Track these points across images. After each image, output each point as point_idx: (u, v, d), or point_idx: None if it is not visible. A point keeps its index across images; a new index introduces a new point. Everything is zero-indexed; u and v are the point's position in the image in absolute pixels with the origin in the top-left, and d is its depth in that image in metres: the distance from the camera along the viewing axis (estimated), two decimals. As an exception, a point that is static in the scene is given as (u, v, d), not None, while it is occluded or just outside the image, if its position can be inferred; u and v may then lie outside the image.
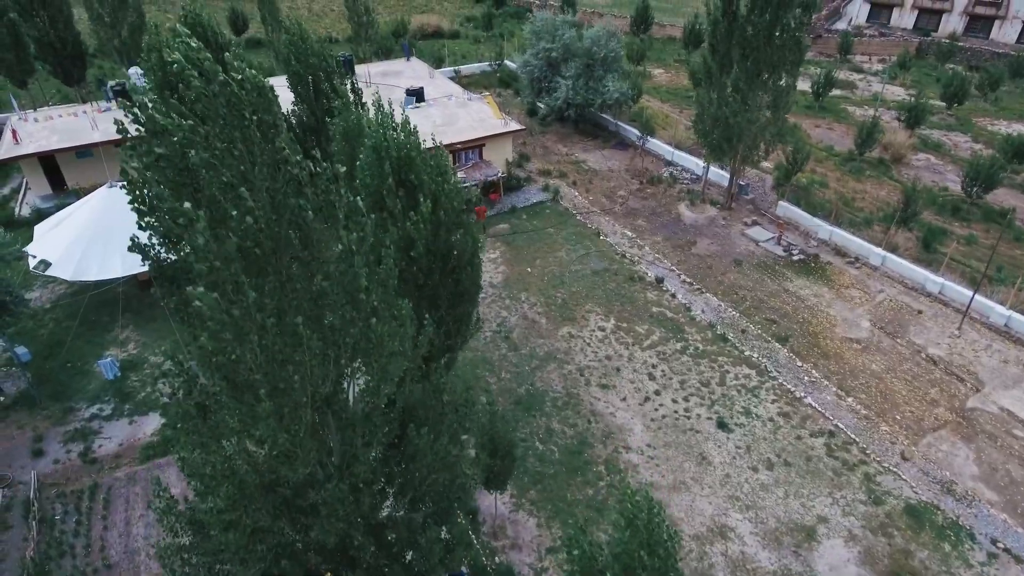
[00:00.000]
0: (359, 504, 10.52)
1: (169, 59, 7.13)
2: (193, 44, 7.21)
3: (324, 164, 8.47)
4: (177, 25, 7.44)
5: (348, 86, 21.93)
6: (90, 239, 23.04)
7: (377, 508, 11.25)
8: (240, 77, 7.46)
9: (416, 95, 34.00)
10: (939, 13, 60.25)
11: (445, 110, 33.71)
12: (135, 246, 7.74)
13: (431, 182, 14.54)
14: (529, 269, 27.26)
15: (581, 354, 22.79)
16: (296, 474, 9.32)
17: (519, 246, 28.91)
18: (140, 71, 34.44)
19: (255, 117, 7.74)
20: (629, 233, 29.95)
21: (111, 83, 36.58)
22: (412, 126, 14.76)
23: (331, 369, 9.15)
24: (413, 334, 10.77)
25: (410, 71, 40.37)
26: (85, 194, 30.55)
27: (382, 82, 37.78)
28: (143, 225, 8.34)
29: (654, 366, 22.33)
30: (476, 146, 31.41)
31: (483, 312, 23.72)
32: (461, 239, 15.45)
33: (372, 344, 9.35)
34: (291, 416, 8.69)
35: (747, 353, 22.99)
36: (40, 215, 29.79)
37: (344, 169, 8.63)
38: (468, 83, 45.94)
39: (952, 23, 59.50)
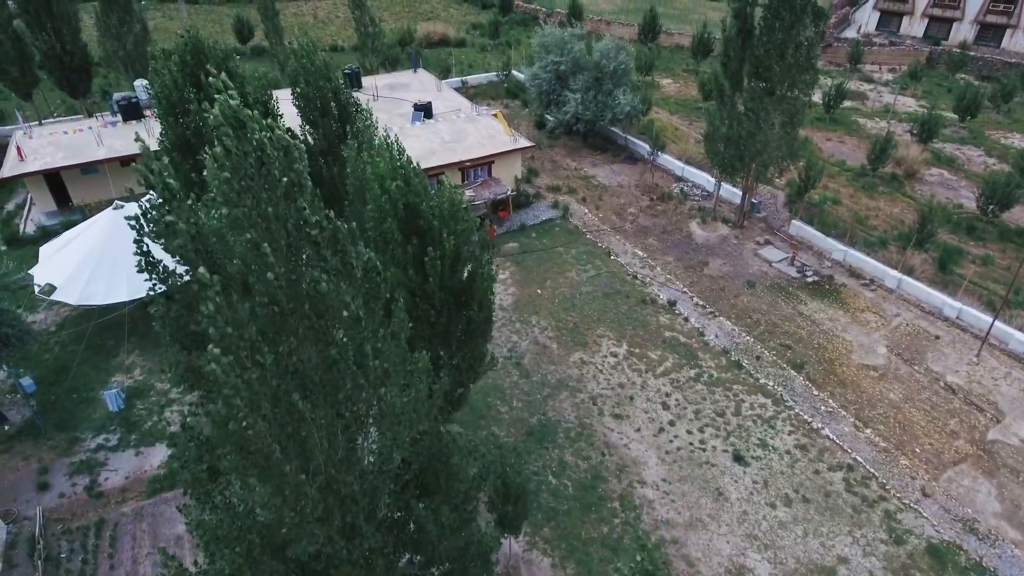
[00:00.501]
0: (372, 569, 10.20)
1: (208, 115, 6.88)
2: (233, 102, 6.91)
3: (342, 223, 8.16)
4: (221, 79, 7.01)
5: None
6: (96, 262, 22.73)
7: (391, 569, 10.92)
8: (269, 135, 7.22)
9: (424, 110, 33.62)
10: (949, 21, 59.78)
11: (454, 126, 33.32)
12: (166, 344, 7.44)
13: (443, 227, 14.20)
14: (539, 291, 26.91)
15: (593, 381, 22.43)
16: (303, 552, 8.98)
17: (529, 266, 28.55)
18: (145, 84, 34.15)
19: (284, 179, 7.48)
20: (640, 253, 29.57)
21: (117, 96, 36.29)
22: (416, 164, 14.33)
23: (340, 439, 8.82)
24: (427, 391, 10.49)
25: (417, 84, 39.99)
26: (90, 210, 30.33)
27: (389, 95, 37.48)
28: (156, 305, 8.07)
29: (668, 395, 21.96)
30: (485, 163, 31.04)
31: (493, 336, 23.31)
32: (472, 275, 15.15)
33: (383, 413, 9.04)
34: (296, 493, 8.38)
35: (762, 381, 22.60)
36: (45, 232, 29.56)
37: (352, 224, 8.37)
38: (475, 94, 45.59)
39: (963, 32, 59.02)
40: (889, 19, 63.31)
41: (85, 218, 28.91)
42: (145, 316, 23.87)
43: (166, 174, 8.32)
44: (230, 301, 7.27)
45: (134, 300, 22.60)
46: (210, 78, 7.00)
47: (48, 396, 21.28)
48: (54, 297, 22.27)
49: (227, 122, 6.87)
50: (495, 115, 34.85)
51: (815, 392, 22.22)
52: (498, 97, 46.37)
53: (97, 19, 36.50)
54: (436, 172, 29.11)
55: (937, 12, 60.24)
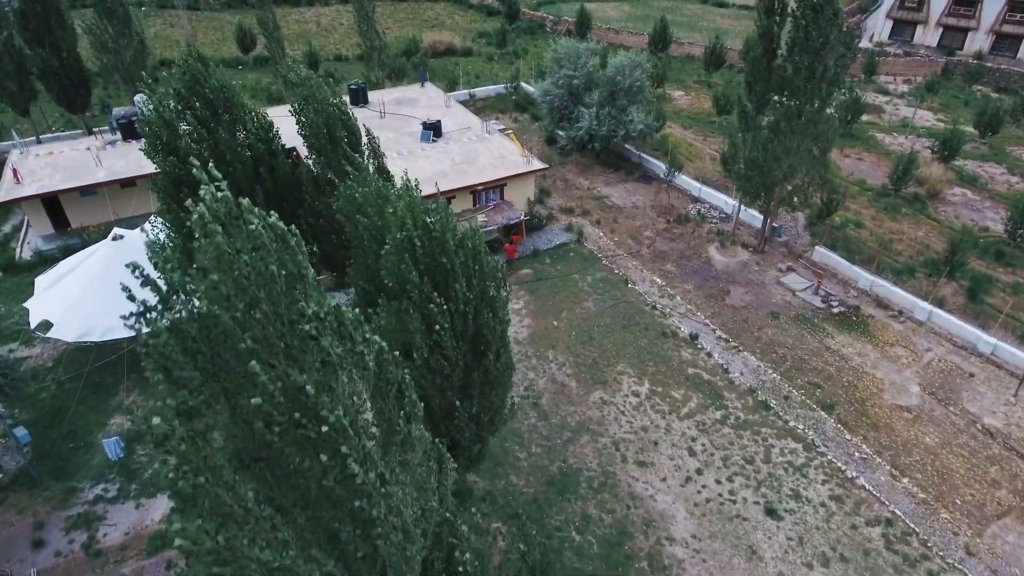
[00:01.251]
0: None
1: (192, 211, 5.92)
2: (220, 194, 5.94)
3: (347, 308, 7.15)
4: (204, 173, 6.05)
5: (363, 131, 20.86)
6: (94, 297, 21.66)
7: None
8: (263, 225, 6.24)
9: (433, 129, 32.57)
10: (964, 31, 58.70)
11: (464, 146, 32.27)
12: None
13: (463, 268, 13.35)
14: (555, 322, 25.87)
15: (615, 424, 21.41)
16: None
17: (544, 294, 27.52)
18: (144, 98, 33.18)
19: (283, 272, 6.47)
20: (658, 280, 28.53)
21: (116, 112, 35.26)
22: (448, 209, 13.49)
23: (339, 566, 7.78)
24: (436, 471, 9.54)
25: (425, 99, 38.92)
26: (90, 234, 29.32)
27: (397, 111, 36.44)
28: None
29: (694, 439, 20.94)
30: (498, 186, 30.00)
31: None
32: (489, 321, 14.19)
33: (386, 532, 8.01)
34: None
35: (791, 423, 21.59)
36: (42, 257, 28.53)
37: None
38: (483, 106, 44.57)
39: (978, 41, 57.95)
40: (902, 28, 62.23)
41: (84, 242, 27.93)
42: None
43: (171, 266, 7.29)
44: (196, 446, 6.25)
45: (134, 337, 21.59)
46: (194, 169, 6.06)
47: (44, 442, 20.25)
48: (50, 334, 21.24)
49: (215, 219, 5.89)
50: (508, 134, 33.79)
51: (847, 436, 21.20)
52: (507, 110, 45.33)
53: (93, 33, 35.42)
54: (448, 196, 28.09)
55: (952, 21, 59.17)
